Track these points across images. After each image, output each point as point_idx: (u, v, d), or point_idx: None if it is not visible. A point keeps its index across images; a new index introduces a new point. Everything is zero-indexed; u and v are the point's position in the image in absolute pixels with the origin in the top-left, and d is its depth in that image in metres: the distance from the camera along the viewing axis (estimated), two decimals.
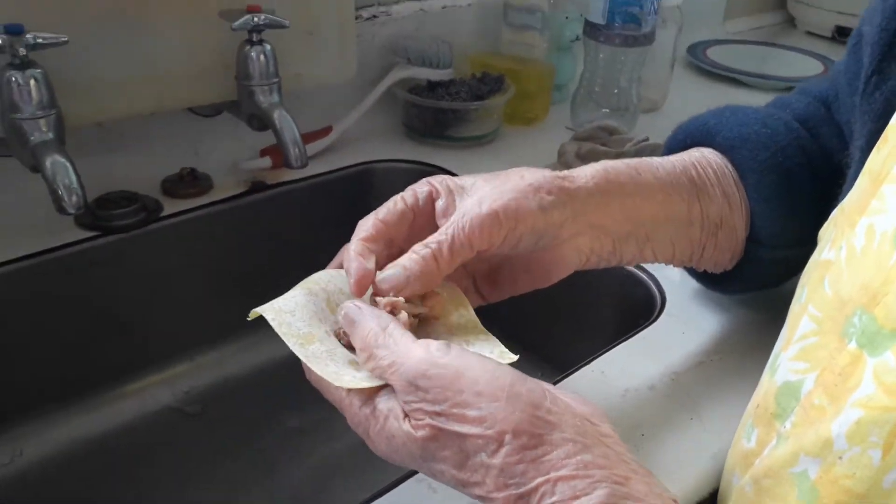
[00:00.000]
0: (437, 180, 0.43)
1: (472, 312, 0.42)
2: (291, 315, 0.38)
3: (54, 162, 0.56)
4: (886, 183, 0.32)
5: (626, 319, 0.60)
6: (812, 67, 1.18)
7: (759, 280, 0.52)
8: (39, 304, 0.62)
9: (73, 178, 0.56)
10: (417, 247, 0.39)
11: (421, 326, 0.40)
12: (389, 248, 0.42)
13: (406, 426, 0.33)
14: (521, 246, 0.42)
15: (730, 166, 0.49)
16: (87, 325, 0.65)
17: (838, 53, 1.25)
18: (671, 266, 0.51)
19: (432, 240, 0.39)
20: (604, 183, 0.44)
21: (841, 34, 1.35)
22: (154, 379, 0.70)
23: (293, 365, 0.74)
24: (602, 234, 0.44)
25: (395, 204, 0.42)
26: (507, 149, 0.85)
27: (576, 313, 0.68)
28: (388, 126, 0.86)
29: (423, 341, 0.34)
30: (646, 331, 0.55)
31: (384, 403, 0.34)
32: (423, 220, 0.42)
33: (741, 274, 0.51)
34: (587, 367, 0.51)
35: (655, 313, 0.57)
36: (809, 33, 1.41)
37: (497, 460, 0.30)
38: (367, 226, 0.41)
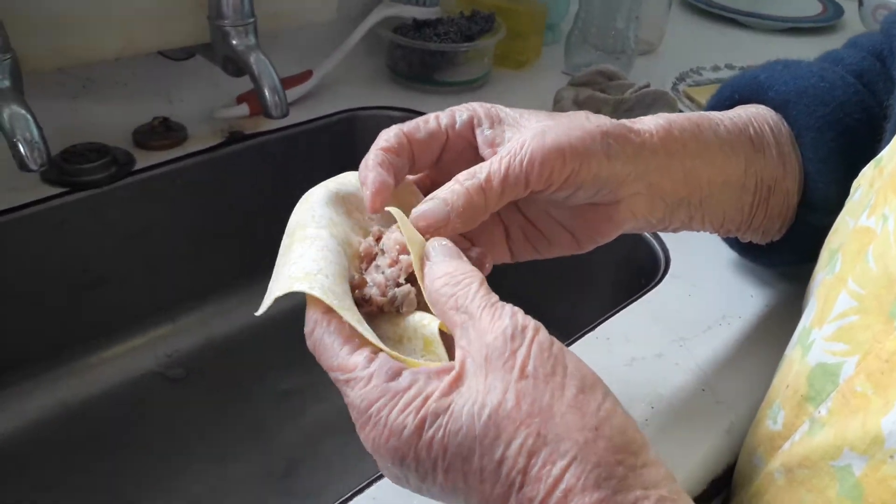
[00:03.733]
0: (481, 106, 0.37)
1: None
2: (325, 277, 0.30)
3: (12, 114, 0.51)
4: None
5: (630, 279, 0.58)
6: (810, 7, 1.14)
7: (808, 250, 0.46)
8: (7, 265, 0.58)
9: (35, 131, 0.51)
10: (462, 176, 0.33)
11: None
12: (412, 170, 0.36)
13: (469, 394, 0.26)
14: (577, 195, 0.36)
15: (784, 124, 0.45)
16: (60, 287, 0.61)
17: None
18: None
19: (480, 169, 0.33)
20: (668, 141, 0.39)
21: None
22: (134, 342, 0.67)
23: (280, 325, 0.72)
24: (658, 197, 0.39)
25: (426, 122, 0.36)
26: (498, 94, 0.81)
27: (577, 273, 0.65)
28: (372, 70, 0.82)
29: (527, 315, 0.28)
30: (650, 293, 0.52)
31: (424, 379, 0.27)
32: (459, 149, 0.37)
33: (789, 244, 0.47)
34: (591, 333, 0.49)
35: (660, 274, 0.55)
36: None
37: (591, 454, 0.25)
38: (388, 136, 0.35)
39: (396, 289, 0.32)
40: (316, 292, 0.29)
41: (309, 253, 0.31)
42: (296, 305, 0.75)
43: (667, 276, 0.54)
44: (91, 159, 0.60)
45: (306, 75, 0.74)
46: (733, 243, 0.52)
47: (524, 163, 0.34)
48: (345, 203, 0.36)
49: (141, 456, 0.61)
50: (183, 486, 0.60)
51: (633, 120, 0.39)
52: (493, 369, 0.26)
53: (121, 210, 0.62)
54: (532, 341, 0.27)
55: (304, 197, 0.36)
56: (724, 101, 0.49)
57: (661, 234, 0.58)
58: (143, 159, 0.63)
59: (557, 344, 0.27)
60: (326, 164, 0.74)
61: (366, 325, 0.30)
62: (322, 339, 0.29)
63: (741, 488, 0.38)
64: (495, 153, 0.35)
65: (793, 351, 0.36)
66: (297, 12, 0.71)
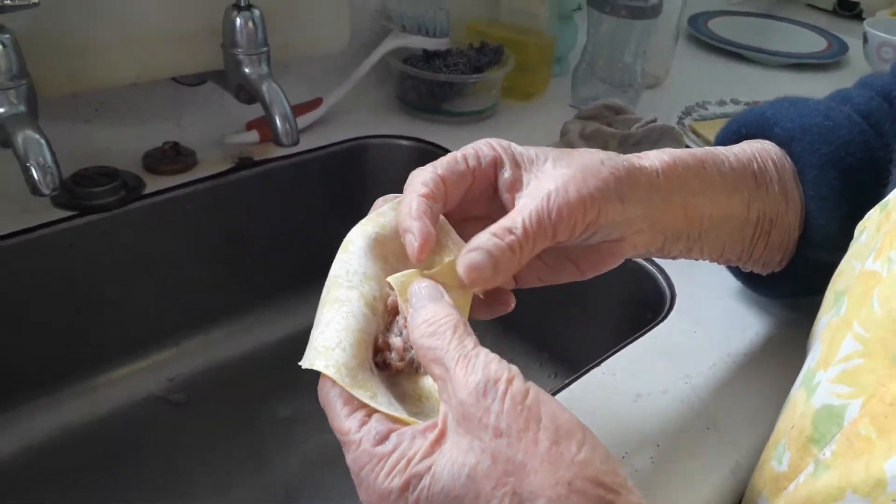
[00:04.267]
0: (500, 145, 0.38)
1: None
2: (342, 350, 0.32)
3: (26, 138, 0.51)
4: None
5: (635, 314, 0.58)
6: (816, 43, 1.15)
7: (809, 284, 0.47)
8: (15, 287, 0.58)
9: (48, 155, 0.52)
10: (498, 230, 0.34)
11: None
12: (443, 212, 0.37)
13: (448, 455, 0.28)
14: (592, 238, 0.37)
15: (788, 160, 0.46)
16: (67, 309, 0.61)
17: (840, 27, 1.22)
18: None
19: (514, 224, 0.34)
20: (672, 178, 0.40)
21: (842, 7, 1.31)
22: (137, 366, 0.66)
23: (284, 351, 0.72)
24: (659, 231, 0.40)
25: (456, 161, 0.36)
26: (506, 125, 0.81)
27: (582, 308, 0.66)
28: (381, 99, 0.82)
29: (503, 360, 0.29)
30: (656, 329, 0.53)
31: (408, 442, 0.29)
32: (481, 187, 0.37)
33: (790, 277, 0.48)
34: (597, 368, 0.49)
35: (665, 309, 0.55)
36: (810, 6, 1.38)
37: None
38: (425, 179, 0.35)
39: (413, 351, 0.33)
40: (330, 371, 0.31)
41: (334, 321, 0.33)
42: (297, 333, 0.76)
43: (672, 312, 0.54)
44: (101, 183, 0.61)
45: (316, 103, 0.75)
46: (736, 272, 0.53)
47: (552, 216, 0.34)
48: (382, 248, 0.37)
49: (141, 480, 0.61)
50: None
51: (638, 155, 0.40)
52: (470, 428, 0.27)
53: (129, 234, 0.62)
54: (504, 395, 0.27)
55: (344, 243, 0.37)
56: (731, 135, 0.50)
57: (667, 269, 0.58)
58: (153, 184, 0.64)
59: (532, 392, 0.28)
60: (335, 192, 0.75)
61: (380, 393, 0.31)
62: (327, 397, 0.31)
63: None
64: (512, 198, 0.36)
65: (797, 392, 0.36)
66: (309, 42, 0.72)
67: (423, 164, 0.39)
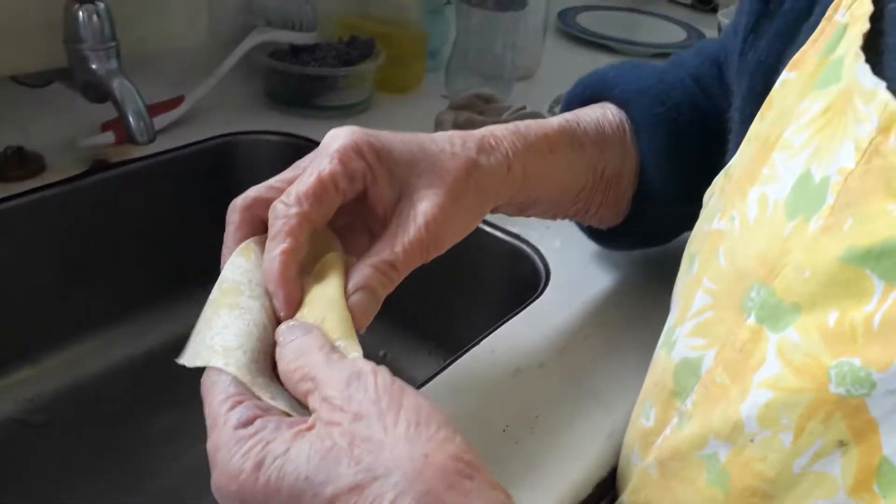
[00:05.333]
0: (370, 152, 0.36)
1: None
2: (243, 353, 0.31)
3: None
4: (776, 150, 0.31)
5: (513, 295, 0.58)
6: (677, 34, 1.21)
7: (646, 235, 0.52)
8: None
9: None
10: (381, 265, 0.35)
11: None
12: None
13: (306, 438, 0.27)
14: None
15: (627, 120, 0.49)
16: None
17: (699, 20, 1.29)
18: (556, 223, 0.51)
19: (395, 258, 0.35)
20: (519, 168, 0.42)
21: (700, 1, 1.39)
22: None
23: (154, 364, 0.68)
24: (492, 203, 0.42)
25: (325, 191, 0.34)
26: (380, 118, 0.80)
27: (461, 290, 0.65)
28: (248, 95, 0.79)
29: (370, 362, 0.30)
30: (532, 305, 0.53)
31: (271, 428, 0.27)
32: (348, 199, 0.37)
33: (628, 229, 0.51)
34: (477, 347, 0.48)
35: (541, 287, 0.55)
36: (671, 0, 1.45)
37: (421, 485, 0.25)
38: (291, 227, 0.34)
39: None
40: (231, 369, 0.30)
41: (234, 326, 0.32)
42: (167, 343, 0.71)
43: (548, 289, 0.55)
44: None
45: (177, 101, 0.71)
46: (581, 226, 0.55)
47: (429, 249, 0.37)
48: None
49: None
50: None
51: (492, 134, 0.42)
52: (332, 419, 0.27)
53: None
54: (368, 385, 0.27)
55: (244, 248, 0.36)
56: (576, 97, 0.53)
57: (541, 249, 0.59)
58: None
59: (398, 384, 0.28)
60: (203, 193, 0.71)
61: (281, 397, 0.30)
62: (212, 385, 0.30)
63: (623, 488, 0.38)
64: (382, 213, 0.37)
65: (660, 351, 0.37)
66: (164, 36, 0.69)
67: (296, 158, 0.38)
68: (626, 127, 0.48)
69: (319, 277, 0.35)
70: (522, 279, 0.58)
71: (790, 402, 0.27)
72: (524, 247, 0.60)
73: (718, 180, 0.40)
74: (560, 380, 0.46)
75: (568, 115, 0.47)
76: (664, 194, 0.49)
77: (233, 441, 0.27)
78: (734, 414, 0.29)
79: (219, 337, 0.32)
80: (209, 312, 0.34)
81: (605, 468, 0.41)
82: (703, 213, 0.41)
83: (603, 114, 0.48)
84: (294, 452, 0.26)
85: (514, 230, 0.61)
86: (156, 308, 0.70)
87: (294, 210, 0.34)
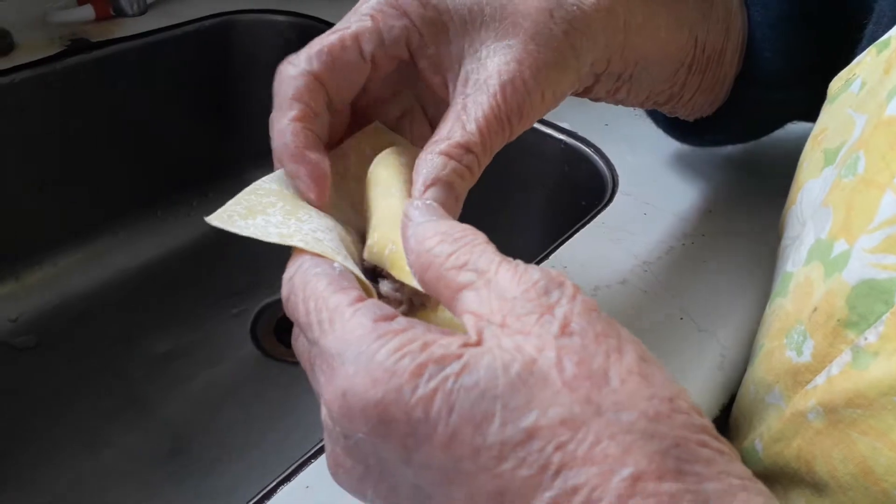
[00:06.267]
0: (414, 5, 0.28)
1: None
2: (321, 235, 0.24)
3: None
4: None
5: (573, 203, 0.51)
6: None
7: (743, 128, 0.43)
8: None
9: None
10: (453, 150, 0.27)
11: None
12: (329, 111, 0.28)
13: (488, 346, 0.19)
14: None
15: None
16: None
17: None
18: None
19: (470, 138, 0.27)
20: (618, 15, 0.32)
21: None
22: None
23: (150, 278, 0.60)
24: (592, 72, 0.33)
25: (342, 47, 0.27)
26: None
27: (511, 199, 0.58)
28: None
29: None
30: (602, 214, 0.46)
31: (422, 328, 0.20)
32: (387, 70, 0.29)
33: (723, 121, 0.42)
34: (546, 262, 0.41)
35: (609, 193, 0.48)
36: None
37: (668, 430, 0.18)
38: (296, 89, 0.27)
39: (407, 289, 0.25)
40: (346, 262, 0.23)
41: (313, 221, 0.25)
42: (164, 255, 0.63)
43: (617, 195, 0.47)
44: None
45: None
46: (658, 119, 0.47)
47: (512, 120, 0.28)
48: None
49: None
50: (46, 480, 0.49)
51: None
52: (525, 326, 0.19)
53: None
54: (573, 297, 0.20)
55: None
56: None
57: (603, 149, 0.51)
58: None
59: (604, 313, 0.20)
60: (197, 81, 0.62)
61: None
62: (304, 279, 0.22)
63: (752, 430, 0.32)
64: (443, 82, 0.29)
65: (809, 269, 0.30)
66: None
67: (303, 45, 0.28)
68: None
69: (377, 185, 0.27)
70: (584, 185, 0.51)
71: None
72: (582, 146, 0.52)
73: (865, 59, 0.32)
74: (648, 298, 0.39)
75: None
76: (775, 76, 0.40)
77: (375, 334, 0.19)
78: None
79: (307, 225, 0.24)
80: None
81: (718, 405, 0.35)
82: (844, 99, 0.33)
83: None
84: (473, 360, 0.18)
85: (566, 126, 0.53)
86: (148, 215, 0.62)
87: (302, 68, 0.27)
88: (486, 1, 0.29)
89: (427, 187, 0.26)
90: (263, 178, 0.27)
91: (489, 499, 0.18)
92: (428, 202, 0.24)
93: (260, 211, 0.25)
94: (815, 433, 0.27)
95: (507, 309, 0.19)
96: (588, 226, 0.45)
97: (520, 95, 0.28)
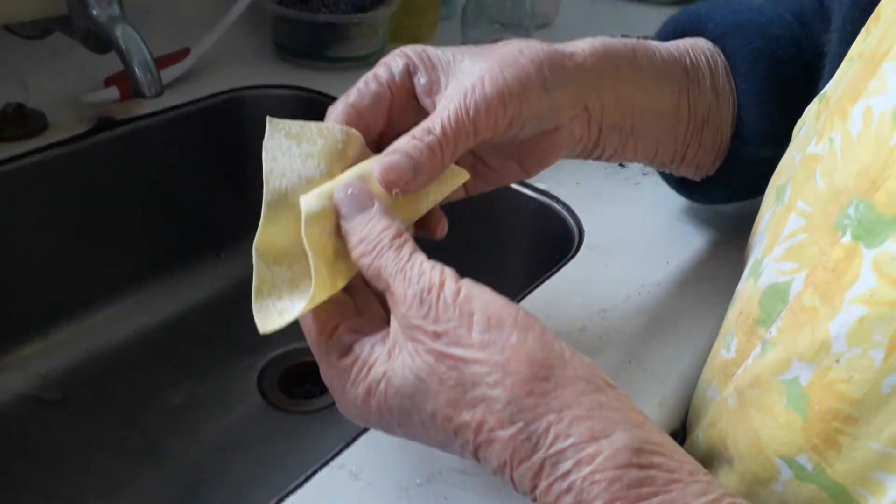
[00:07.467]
0: (413, 51, 0.36)
1: None
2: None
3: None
4: (887, 61, 0.29)
5: (544, 255, 0.55)
6: None
7: (744, 183, 0.47)
8: None
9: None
10: (417, 132, 0.33)
11: None
12: (367, 138, 0.36)
13: (398, 360, 0.29)
14: (523, 132, 0.37)
15: (721, 56, 0.45)
16: None
17: None
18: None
19: (433, 124, 0.33)
20: (601, 63, 0.39)
21: None
22: (2, 363, 0.58)
23: (169, 334, 0.65)
24: (592, 119, 0.40)
25: (366, 84, 0.36)
26: None
27: (490, 251, 0.62)
28: (256, 46, 0.76)
29: (436, 264, 0.30)
30: (567, 266, 0.50)
31: (367, 351, 0.30)
32: (403, 101, 0.36)
33: (723, 178, 0.47)
34: None
35: (574, 246, 0.52)
36: None
37: (502, 392, 0.27)
38: (336, 114, 0.35)
39: None
40: (304, 309, 0.30)
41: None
42: (182, 313, 0.68)
43: (582, 248, 0.52)
44: None
45: (183, 54, 0.67)
46: (670, 179, 0.52)
47: (469, 114, 0.34)
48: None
49: (18, 493, 0.54)
50: None
51: (565, 44, 0.39)
52: (414, 336, 0.28)
53: None
54: (438, 300, 0.28)
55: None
56: (667, 34, 0.49)
57: (573, 207, 0.56)
58: None
59: (464, 290, 0.28)
60: (210, 151, 0.68)
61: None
62: (304, 328, 0.32)
63: (696, 424, 0.36)
64: (433, 101, 0.35)
65: (745, 283, 0.36)
66: None
67: (308, 115, 0.37)
68: (721, 62, 0.45)
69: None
70: (554, 238, 0.56)
71: (886, 315, 0.25)
72: (554, 204, 0.57)
73: (811, 108, 0.38)
74: (602, 343, 0.44)
75: (650, 41, 0.44)
76: (763, 135, 0.45)
77: (341, 372, 0.30)
78: (822, 333, 0.27)
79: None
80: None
81: None
82: (793, 144, 0.39)
83: (695, 44, 0.45)
84: (391, 374, 0.29)
85: (542, 186, 0.58)
86: (167, 276, 0.67)
87: (342, 103, 0.35)
88: (467, 49, 0.36)
89: (389, 153, 0.33)
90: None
91: (441, 443, 0.29)
92: (350, 192, 0.31)
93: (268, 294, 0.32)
94: (730, 414, 0.32)
95: (403, 321, 0.29)
96: (554, 277, 0.49)
97: (479, 100, 0.34)
